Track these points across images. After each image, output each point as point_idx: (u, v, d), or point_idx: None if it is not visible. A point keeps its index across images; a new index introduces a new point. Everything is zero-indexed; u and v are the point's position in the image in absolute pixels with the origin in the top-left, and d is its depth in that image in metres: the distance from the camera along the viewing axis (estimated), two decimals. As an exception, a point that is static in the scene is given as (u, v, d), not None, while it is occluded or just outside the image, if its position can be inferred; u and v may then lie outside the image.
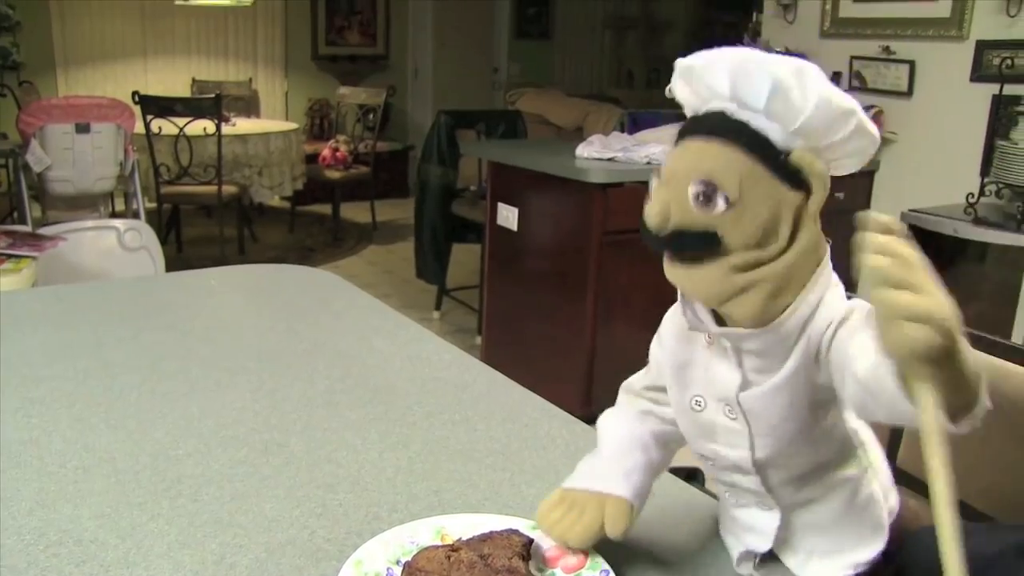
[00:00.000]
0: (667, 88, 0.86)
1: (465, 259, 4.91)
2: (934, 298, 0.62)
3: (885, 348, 0.63)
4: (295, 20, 7.82)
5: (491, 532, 0.84)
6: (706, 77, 0.81)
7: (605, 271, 3.18)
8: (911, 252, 0.63)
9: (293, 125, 6.28)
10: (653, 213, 0.79)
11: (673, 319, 0.91)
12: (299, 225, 6.67)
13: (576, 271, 3.24)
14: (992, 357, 1.28)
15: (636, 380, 0.97)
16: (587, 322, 3.22)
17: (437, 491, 1.00)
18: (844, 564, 0.93)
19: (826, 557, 0.93)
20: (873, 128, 0.81)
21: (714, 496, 1.11)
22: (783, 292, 0.79)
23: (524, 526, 0.87)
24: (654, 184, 0.81)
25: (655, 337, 0.94)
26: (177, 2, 6.31)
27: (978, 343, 1.30)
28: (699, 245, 0.78)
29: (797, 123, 0.77)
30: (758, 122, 0.78)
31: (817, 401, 0.83)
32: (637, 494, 0.89)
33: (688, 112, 0.85)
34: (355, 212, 6.91)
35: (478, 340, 4.13)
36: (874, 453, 0.96)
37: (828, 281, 0.82)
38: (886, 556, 0.96)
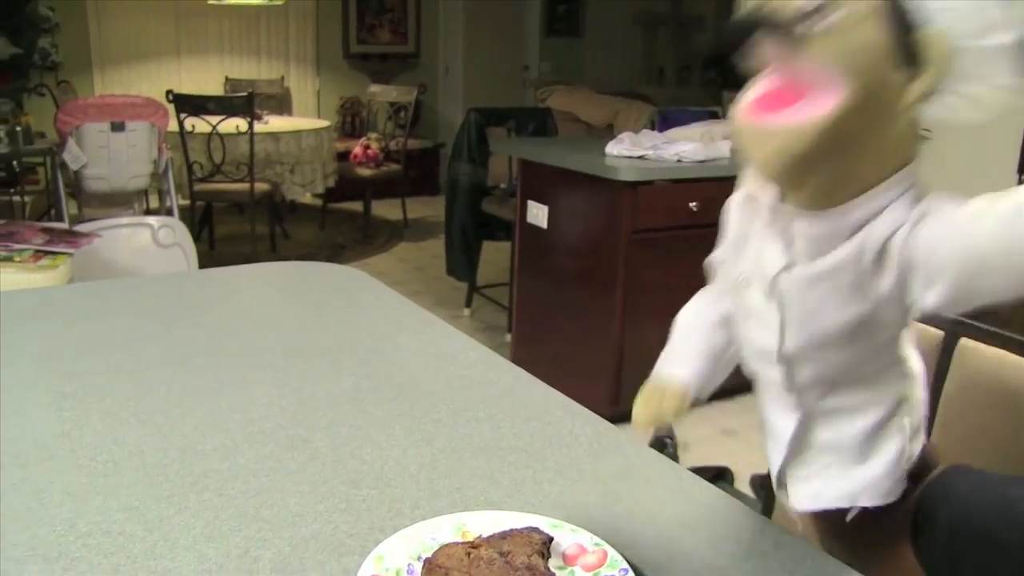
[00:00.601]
0: None
1: (495, 256, 4.92)
2: None
3: None
4: (327, 19, 7.87)
5: (511, 529, 0.84)
6: None
7: (634, 269, 3.17)
8: None
9: (325, 123, 6.32)
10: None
11: (742, 190, 0.89)
12: (330, 222, 6.71)
13: (605, 269, 3.24)
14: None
15: (716, 251, 0.96)
16: (615, 320, 3.22)
17: (460, 488, 1.00)
18: (845, 495, 0.90)
19: (831, 481, 0.90)
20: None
21: (741, 495, 1.12)
22: (853, 178, 0.74)
23: (544, 524, 0.87)
24: None
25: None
26: (210, 1, 6.37)
27: (1008, 343, 1.30)
28: (798, 19, 0.70)
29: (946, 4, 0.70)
30: None
31: (866, 311, 0.79)
32: (695, 375, 0.92)
33: None
34: (386, 209, 6.94)
35: (508, 337, 4.13)
36: (916, 388, 0.93)
37: (907, 187, 0.77)
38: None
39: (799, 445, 0.90)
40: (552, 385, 1.33)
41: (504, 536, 0.83)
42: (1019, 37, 0.70)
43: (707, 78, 8.37)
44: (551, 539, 0.84)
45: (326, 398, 1.25)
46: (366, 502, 0.97)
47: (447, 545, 0.82)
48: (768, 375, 0.89)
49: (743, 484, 2.18)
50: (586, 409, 1.24)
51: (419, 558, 0.82)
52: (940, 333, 1.47)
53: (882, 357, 0.86)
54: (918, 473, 0.94)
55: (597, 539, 0.86)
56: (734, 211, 0.89)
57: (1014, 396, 1.29)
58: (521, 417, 1.20)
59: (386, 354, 1.44)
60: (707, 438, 3.06)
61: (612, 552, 0.84)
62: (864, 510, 0.91)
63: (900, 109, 0.73)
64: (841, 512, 0.93)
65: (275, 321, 1.65)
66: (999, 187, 2.72)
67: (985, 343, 1.40)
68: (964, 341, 1.43)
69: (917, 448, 0.95)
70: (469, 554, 0.80)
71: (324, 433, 1.14)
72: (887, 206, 0.75)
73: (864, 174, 0.75)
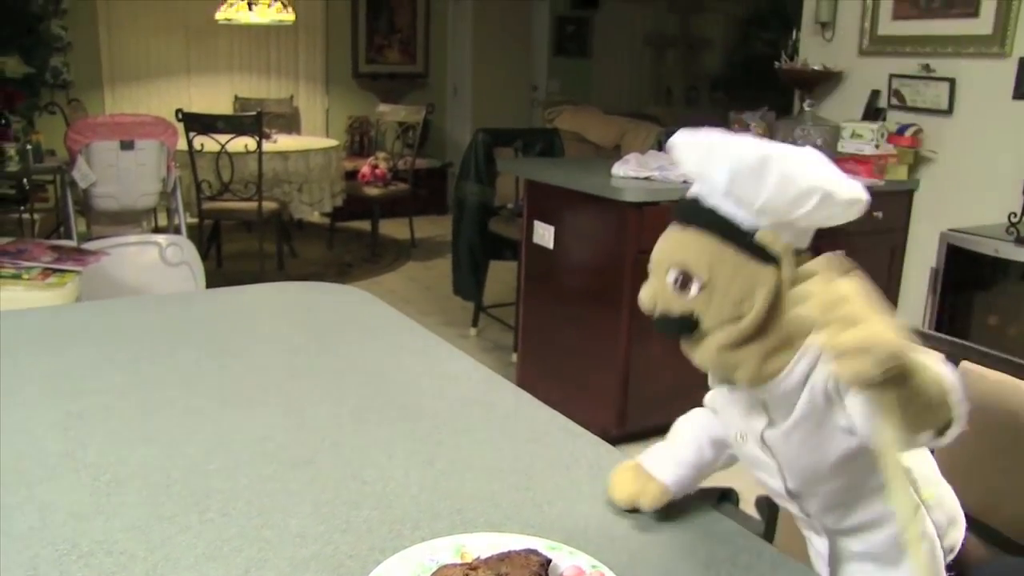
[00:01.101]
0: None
1: (502, 276, 4.93)
2: (867, 329, 0.68)
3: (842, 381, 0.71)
4: (336, 38, 7.91)
5: (509, 551, 0.85)
6: (681, 162, 0.91)
7: (639, 290, 3.17)
8: (846, 287, 0.71)
9: (333, 142, 6.34)
10: (643, 299, 0.93)
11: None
12: (338, 241, 6.73)
13: (611, 289, 3.25)
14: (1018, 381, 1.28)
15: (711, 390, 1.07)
16: (621, 341, 3.22)
17: (460, 509, 1.01)
18: None
19: None
20: (848, 194, 0.86)
21: (745, 516, 1.16)
22: (775, 355, 0.87)
23: (543, 546, 0.88)
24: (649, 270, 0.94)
25: None
26: (220, 21, 6.41)
27: (1010, 367, 1.30)
28: (679, 328, 0.89)
29: (756, 205, 0.84)
30: (726, 206, 0.87)
31: (840, 442, 0.90)
32: (677, 483, 1.02)
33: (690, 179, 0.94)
34: (394, 228, 6.96)
35: (514, 357, 4.14)
36: (932, 490, 1.03)
37: None
38: None
39: (838, 558, 1.01)
40: (558, 405, 1.33)
41: (502, 558, 0.84)
42: (823, 196, 0.84)
43: (715, 99, 8.39)
44: (549, 561, 0.84)
45: (329, 419, 1.26)
46: (367, 523, 0.97)
47: (445, 567, 0.83)
48: (788, 508, 1.01)
49: (748, 504, 2.18)
50: (588, 431, 1.25)
51: None
52: (939, 356, 1.47)
53: (879, 474, 0.94)
54: (962, 568, 1.04)
55: (595, 561, 0.86)
56: (715, 394, 1.02)
57: (1016, 420, 1.29)
58: (522, 439, 1.21)
59: (389, 375, 1.45)
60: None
61: (610, 574, 0.84)
62: None
63: (786, 291, 0.86)
64: None
65: (280, 341, 1.66)
66: (1006, 208, 2.70)
67: (986, 366, 1.40)
68: (965, 364, 1.43)
69: (957, 537, 1.05)
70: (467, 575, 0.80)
71: (326, 454, 1.14)
72: (818, 358, 0.87)
73: (784, 343, 0.87)
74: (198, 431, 1.20)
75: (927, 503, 1.01)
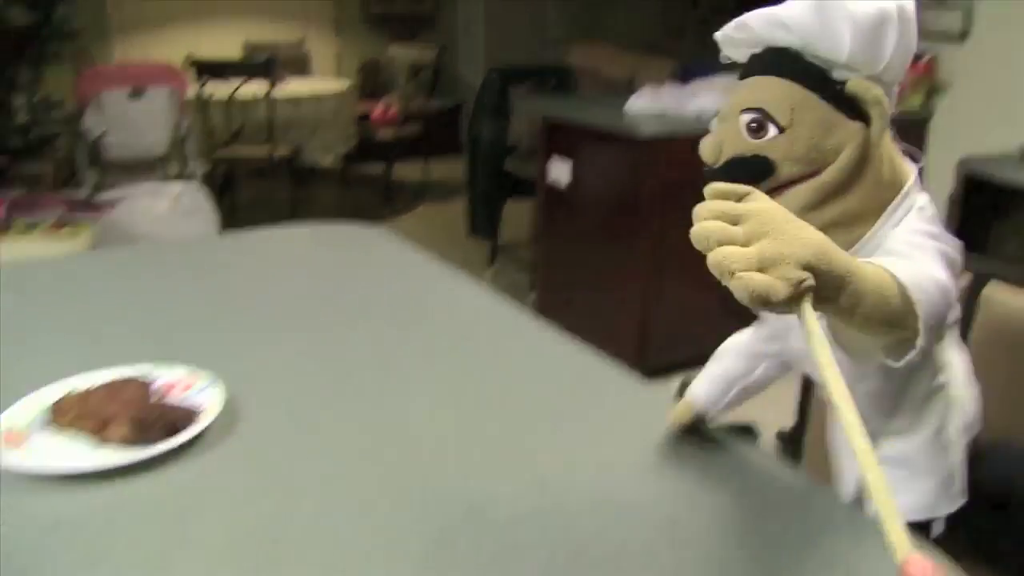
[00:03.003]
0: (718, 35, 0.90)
1: (518, 215, 4.90)
2: (766, 245, 0.59)
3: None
4: (345, -21, 7.80)
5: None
6: (770, 28, 0.84)
7: (658, 225, 3.14)
8: (745, 207, 0.62)
9: (344, 84, 6.28)
10: (706, 146, 0.84)
11: None
12: (352, 185, 6.71)
13: (629, 226, 3.22)
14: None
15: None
16: (640, 276, 3.19)
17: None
18: (920, 507, 0.96)
19: (907, 495, 0.97)
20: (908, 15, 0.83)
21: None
22: (857, 225, 0.82)
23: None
24: (714, 123, 0.86)
25: None
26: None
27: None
28: (752, 169, 0.80)
29: (844, 57, 0.79)
30: (810, 56, 0.81)
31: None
32: (704, 397, 1.02)
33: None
34: (408, 171, 6.92)
35: (532, 296, 4.12)
36: (958, 388, 0.99)
37: (907, 210, 0.84)
38: None
39: None
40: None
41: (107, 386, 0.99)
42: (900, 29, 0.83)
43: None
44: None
45: (351, 359, 1.25)
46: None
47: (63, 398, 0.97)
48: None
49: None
50: (608, 362, 1.24)
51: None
52: (966, 275, 1.44)
53: (920, 382, 0.94)
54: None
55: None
56: None
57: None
58: (546, 371, 1.20)
59: (408, 310, 1.44)
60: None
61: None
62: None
63: (874, 150, 0.81)
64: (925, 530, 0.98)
65: (297, 282, 1.66)
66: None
67: (1015, 285, 1.38)
68: (992, 285, 1.40)
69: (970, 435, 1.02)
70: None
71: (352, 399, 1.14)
72: (891, 232, 0.82)
73: (864, 210, 0.82)
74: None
75: (956, 403, 0.99)
